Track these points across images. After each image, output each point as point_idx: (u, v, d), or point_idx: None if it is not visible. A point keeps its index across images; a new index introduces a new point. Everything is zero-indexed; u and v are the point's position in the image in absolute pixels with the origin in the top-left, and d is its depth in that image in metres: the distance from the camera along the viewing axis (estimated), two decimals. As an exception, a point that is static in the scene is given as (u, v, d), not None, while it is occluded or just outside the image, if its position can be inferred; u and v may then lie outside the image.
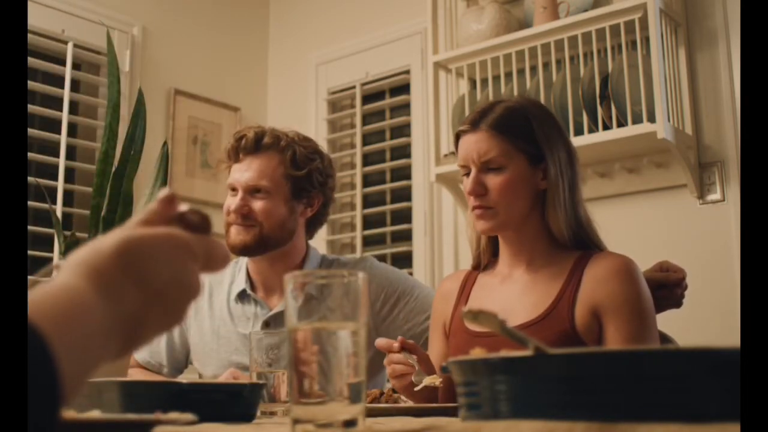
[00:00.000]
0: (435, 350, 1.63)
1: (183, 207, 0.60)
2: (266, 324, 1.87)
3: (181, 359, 1.98)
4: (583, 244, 1.51)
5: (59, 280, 0.50)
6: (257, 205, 1.84)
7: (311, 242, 2.00)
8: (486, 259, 1.61)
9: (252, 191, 1.84)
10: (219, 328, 1.92)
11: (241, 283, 1.93)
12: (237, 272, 1.97)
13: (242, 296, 1.93)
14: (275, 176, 1.85)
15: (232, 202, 1.85)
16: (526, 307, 1.47)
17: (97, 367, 0.49)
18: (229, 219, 1.86)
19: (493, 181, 1.47)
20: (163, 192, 0.59)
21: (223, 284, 1.97)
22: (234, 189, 1.86)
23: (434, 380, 1.34)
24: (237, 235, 1.84)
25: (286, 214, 1.86)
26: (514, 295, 1.51)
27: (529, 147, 1.47)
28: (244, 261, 1.98)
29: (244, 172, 1.85)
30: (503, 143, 1.47)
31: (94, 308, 0.49)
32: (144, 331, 0.54)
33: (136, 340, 0.54)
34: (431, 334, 1.66)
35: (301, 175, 1.86)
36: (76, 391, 0.45)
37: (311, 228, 1.96)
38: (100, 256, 0.52)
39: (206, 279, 1.98)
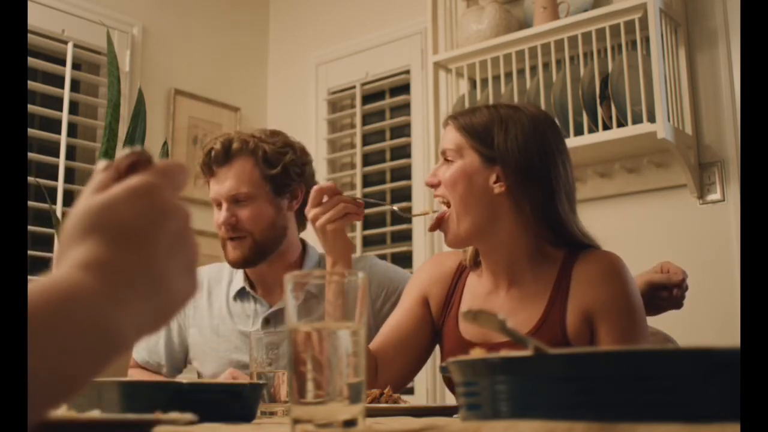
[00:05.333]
0: (396, 315, 1.56)
1: (121, 156, 0.55)
2: (266, 321, 1.87)
3: (180, 359, 1.98)
4: (569, 240, 1.46)
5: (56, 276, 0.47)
6: (243, 213, 1.84)
7: (310, 241, 1.99)
8: (470, 263, 1.55)
9: (235, 201, 1.85)
10: (218, 326, 1.92)
11: (239, 282, 1.94)
12: (234, 270, 1.97)
13: (241, 294, 1.93)
14: (253, 180, 1.84)
15: (219, 216, 1.86)
16: (516, 323, 1.40)
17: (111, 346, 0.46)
18: (221, 234, 1.86)
19: (444, 172, 1.46)
20: (101, 164, 0.55)
21: (222, 283, 1.97)
22: (219, 204, 1.87)
23: (428, 210, 1.36)
24: (234, 250, 1.85)
25: (273, 215, 1.87)
26: (504, 310, 1.46)
27: (482, 148, 1.44)
28: (240, 258, 1.98)
29: (223, 183, 1.85)
30: (459, 138, 1.46)
31: (87, 295, 0.46)
32: (169, 278, 0.51)
33: (164, 293, 0.51)
34: (402, 298, 1.59)
35: (277, 172, 1.86)
36: (80, 385, 0.44)
37: (302, 219, 1.94)
38: (77, 241, 0.50)
39: (205, 277, 1.98)
